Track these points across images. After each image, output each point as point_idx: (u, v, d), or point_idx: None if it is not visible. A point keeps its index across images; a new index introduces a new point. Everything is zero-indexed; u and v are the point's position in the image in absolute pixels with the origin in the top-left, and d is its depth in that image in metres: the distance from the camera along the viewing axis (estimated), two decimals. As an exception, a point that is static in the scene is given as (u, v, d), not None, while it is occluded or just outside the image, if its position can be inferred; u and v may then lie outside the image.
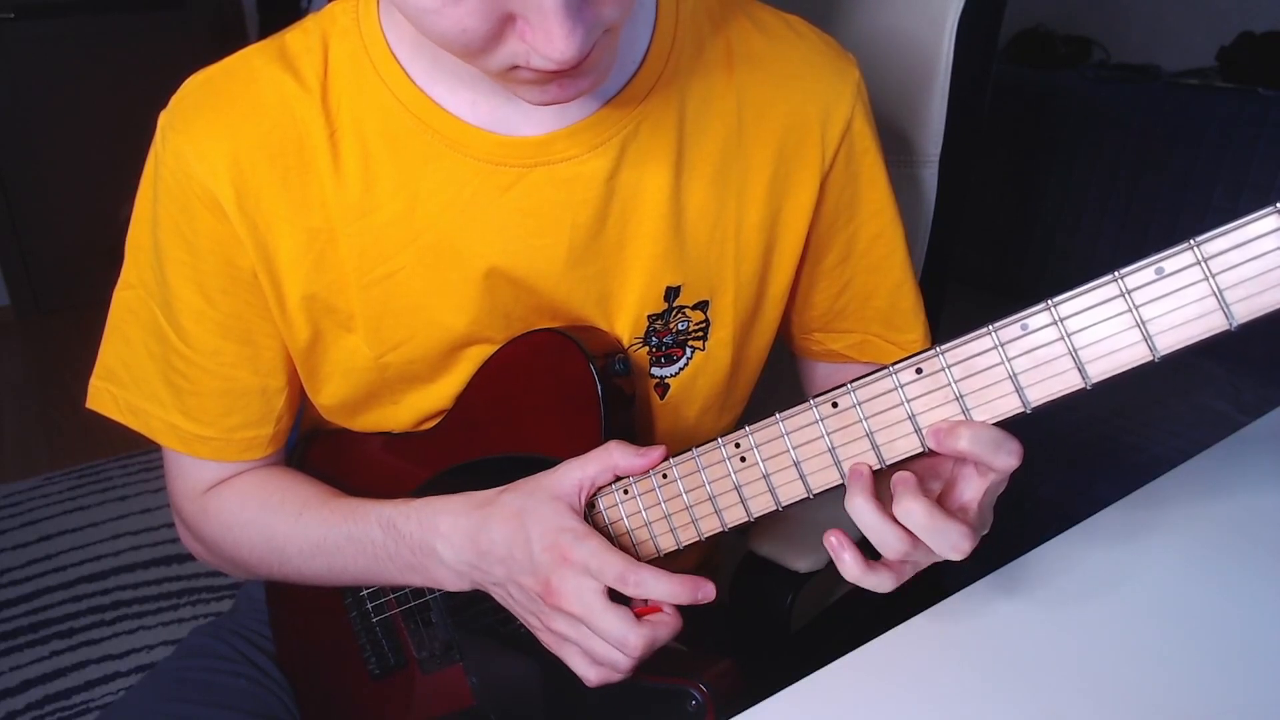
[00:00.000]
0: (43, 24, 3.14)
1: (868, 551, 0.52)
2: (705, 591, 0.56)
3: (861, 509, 0.50)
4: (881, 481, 0.51)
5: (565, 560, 0.56)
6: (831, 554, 0.51)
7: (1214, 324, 0.42)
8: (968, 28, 0.81)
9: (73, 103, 3.22)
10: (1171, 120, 1.85)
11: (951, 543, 0.48)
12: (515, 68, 0.50)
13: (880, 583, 0.52)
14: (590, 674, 0.58)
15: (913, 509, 0.48)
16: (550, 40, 0.46)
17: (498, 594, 0.62)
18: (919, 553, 0.50)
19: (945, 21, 0.81)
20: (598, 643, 0.56)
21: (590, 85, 0.53)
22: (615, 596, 0.56)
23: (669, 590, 0.55)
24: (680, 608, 0.57)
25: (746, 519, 0.56)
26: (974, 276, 2.21)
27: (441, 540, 0.61)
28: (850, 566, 0.51)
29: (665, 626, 0.56)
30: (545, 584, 0.57)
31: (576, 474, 0.59)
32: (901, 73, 0.84)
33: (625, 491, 0.60)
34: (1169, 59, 2.16)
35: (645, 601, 0.58)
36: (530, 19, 0.47)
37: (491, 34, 0.48)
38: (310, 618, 0.79)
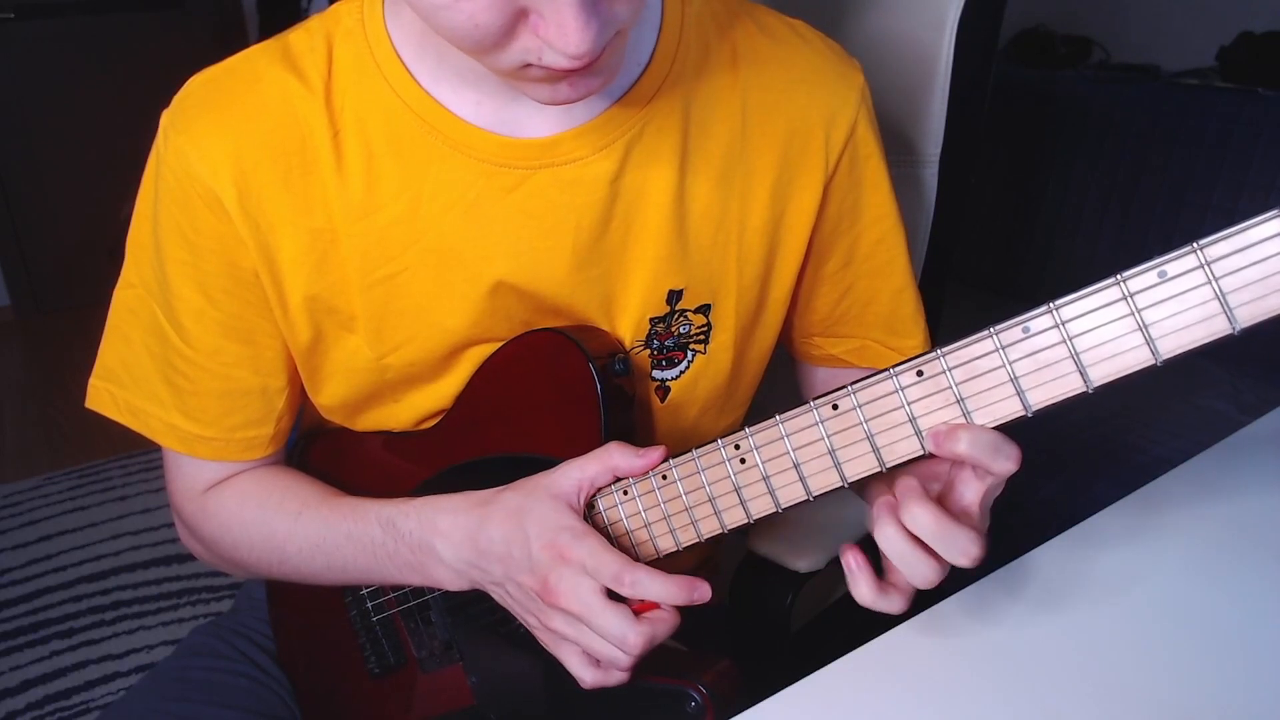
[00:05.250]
0: (43, 24, 3.14)
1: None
2: (701, 592, 0.56)
3: (893, 540, 0.50)
4: (882, 485, 0.51)
5: (563, 559, 0.56)
6: (847, 574, 0.51)
7: (1217, 328, 0.42)
8: (968, 28, 0.81)
9: (73, 103, 3.22)
10: (1171, 120, 1.85)
11: (961, 548, 0.48)
12: (527, 65, 0.50)
13: (891, 605, 0.52)
14: (586, 675, 0.58)
15: (920, 516, 0.48)
16: (565, 35, 0.46)
17: (496, 593, 0.62)
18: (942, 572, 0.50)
19: (945, 22, 0.81)
20: (597, 641, 0.56)
21: (599, 85, 0.53)
22: (613, 595, 0.56)
23: (665, 591, 0.55)
24: (679, 607, 0.57)
25: (746, 520, 0.57)
26: (974, 277, 2.21)
27: (441, 539, 0.61)
28: (865, 590, 0.51)
29: (664, 623, 0.56)
30: (543, 583, 0.57)
31: (575, 474, 0.59)
32: (902, 73, 0.84)
33: (625, 492, 0.60)
34: (1169, 59, 2.16)
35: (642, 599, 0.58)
36: (545, 13, 0.46)
37: (504, 29, 0.48)
38: (310, 617, 0.79)
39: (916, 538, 0.49)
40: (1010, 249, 2.14)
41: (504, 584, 0.60)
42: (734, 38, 0.65)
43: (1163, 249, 0.42)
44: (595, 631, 0.56)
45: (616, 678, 0.58)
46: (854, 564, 0.51)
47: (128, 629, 1.84)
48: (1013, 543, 0.63)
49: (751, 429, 0.55)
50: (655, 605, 0.57)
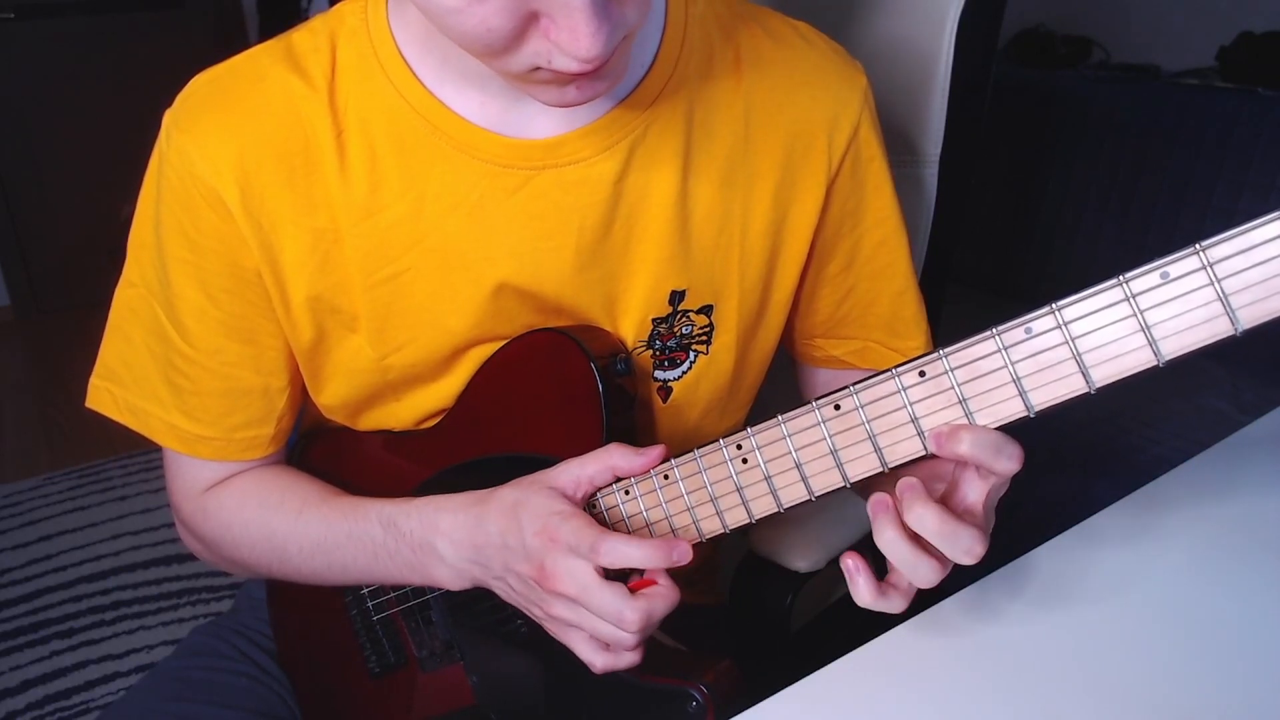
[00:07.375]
0: (43, 24, 3.14)
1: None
2: (680, 551, 0.55)
3: (894, 543, 0.50)
4: (883, 485, 0.51)
5: (555, 542, 0.56)
6: (847, 577, 0.51)
7: (1219, 329, 0.42)
8: (968, 28, 0.81)
9: (73, 103, 3.21)
10: (1171, 120, 1.86)
11: (964, 547, 0.48)
12: (535, 69, 0.50)
13: (892, 605, 0.52)
14: (596, 660, 0.58)
15: (924, 515, 0.48)
16: (576, 39, 0.46)
17: (498, 588, 0.62)
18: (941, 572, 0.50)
19: (945, 22, 0.81)
20: (599, 623, 0.56)
21: (606, 88, 0.53)
22: (610, 575, 0.56)
23: (642, 555, 0.55)
24: (680, 610, 0.57)
25: (748, 520, 0.57)
26: (974, 277, 2.22)
27: (442, 538, 0.62)
28: (864, 592, 0.51)
29: (661, 599, 0.56)
30: (539, 568, 0.57)
31: (574, 471, 0.59)
32: (902, 73, 0.84)
33: (627, 492, 0.60)
34: (1169, 59, 2.17)
35: (642, 574, 0.58)
36: (556, 17, 0.47)
37: (515, 33, 0.48)
38: (311, 616, 0.79)
39: (917, 538, 0.49)
40: (1010, 249, 2.15)
41: (504, 577, 0.60)
42: (738, 40, 0.65)
43: (1163, 249, 0.42)
44: (593, 612, 0.56)
45: (626, 660, 0.58)
46: (852, 566, 0.51)
47: (128, 629, 1.84)
48: (1013, 542, 0.63)
49: (753, 429, 0.55)
50: (652, 581, 0.57)
